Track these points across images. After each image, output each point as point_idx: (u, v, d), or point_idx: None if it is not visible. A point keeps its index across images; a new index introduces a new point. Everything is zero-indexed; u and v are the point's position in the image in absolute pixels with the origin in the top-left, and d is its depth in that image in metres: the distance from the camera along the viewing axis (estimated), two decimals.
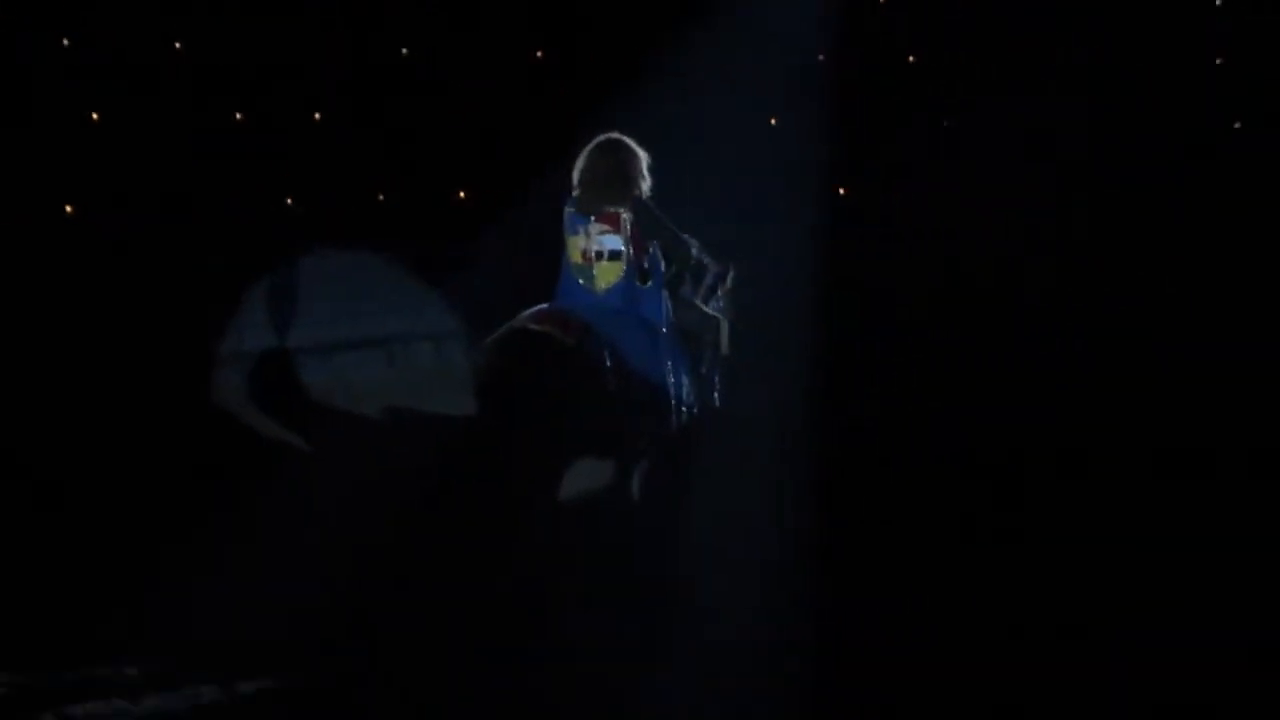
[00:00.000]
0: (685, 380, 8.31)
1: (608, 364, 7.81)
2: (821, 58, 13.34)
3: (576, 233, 8.27)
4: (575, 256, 8.28)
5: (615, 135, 8.36)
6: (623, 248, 8.17)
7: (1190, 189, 12.54)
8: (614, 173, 8.23)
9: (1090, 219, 12.62)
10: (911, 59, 13.55)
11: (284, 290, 12.41)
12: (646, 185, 8.30)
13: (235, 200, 12.62)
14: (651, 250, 8.26)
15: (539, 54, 13.58)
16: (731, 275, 8.80)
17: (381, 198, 13.34)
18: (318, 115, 13.21)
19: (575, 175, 8.31)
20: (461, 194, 13.34)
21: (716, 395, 8.66)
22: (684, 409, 8.26)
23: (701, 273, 8.72)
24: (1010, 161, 12.87)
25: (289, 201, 13.06)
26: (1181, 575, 8.29)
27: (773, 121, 13.29)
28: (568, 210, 8.31)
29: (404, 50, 13.42)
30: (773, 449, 9.88)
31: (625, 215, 8.16)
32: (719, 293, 8.78)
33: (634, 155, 8.30)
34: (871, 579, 8.46)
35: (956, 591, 8.27)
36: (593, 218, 8.21)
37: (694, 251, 8.64)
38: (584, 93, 12.60)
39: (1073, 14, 12.77)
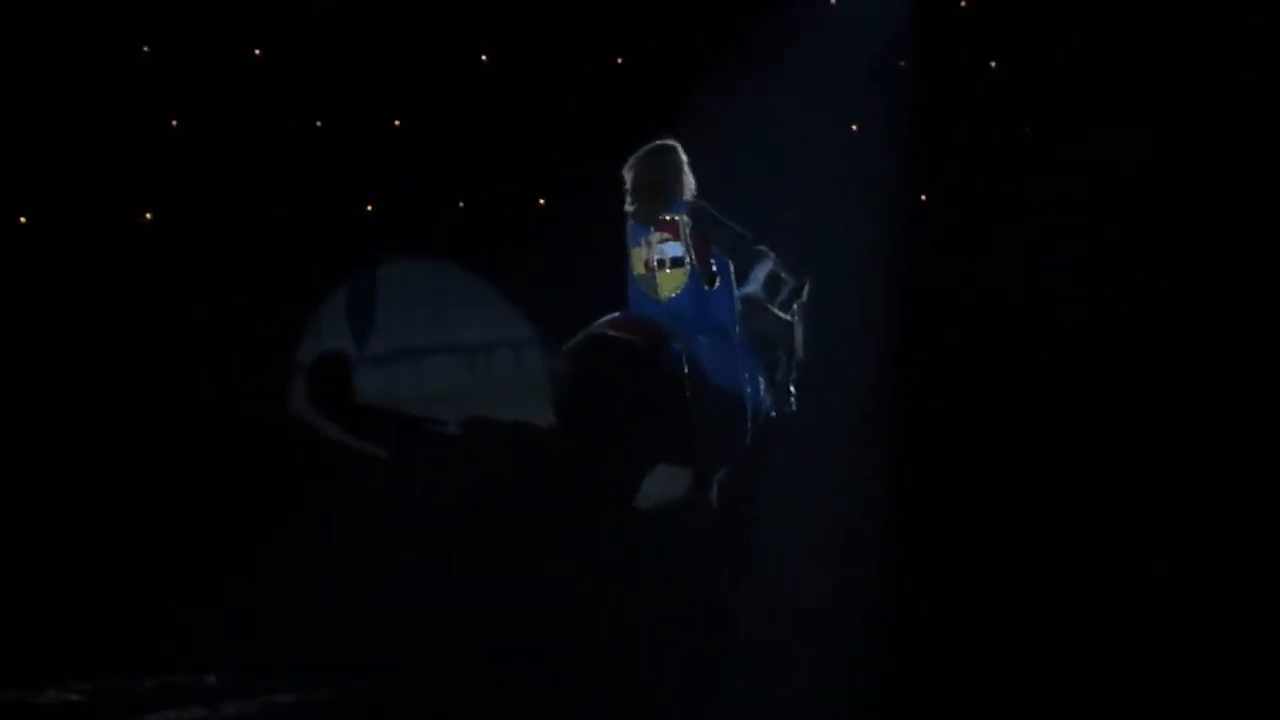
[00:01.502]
0: (761, 385, 8.30)
1: (685, 370, 7.80)
2: (902, 64, 13.19)
3: (638, 244, 8.35)
4: (638, 268, 8.34)
5: (662, 140, 8.45)
6: (683, 253, 8.18)
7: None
8: (663, 178, 8.31)
9: (1172, 230, 12.40)
10: (993, 64, 13.38)
11: (362, 298, 12.51)
12: (691, 186, 8.33)
13: (310, 208, 12.57)
14: (716, 254, 8.24)
15: (619, 60, 13.50)
16: (808, 288, 8.76)
17: (461, 204, 13.30)
18: (397, 122, 13.18)
19: (627, 185, 8.37)
20: (541, 201, 13.27)
21: (793, 400, 8.64)
22: (760, 415, 8.22)
23: (778, 285, 8.69)
24: (1092, 170, 12.73)
25: (368, 208, 13.04)
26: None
27: (854, 128, 13.17)
28: (629, 222, 8.37)
29: (483, 56, 13.37)
30: (846, 455, 9.80)
31: (684, 220, 8.18)
32: (795, 306, 8.75)
33: (682, 158, 8.41)
34: (945, 587, 8.39)
35: (1030, 599, 8.19)
36: (652, 227, 8.22)
37: (770, 264, 8.62)
38: (661, 99, 12.55)
39: (1154, 24, 12.54)
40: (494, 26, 13.27)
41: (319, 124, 13.07)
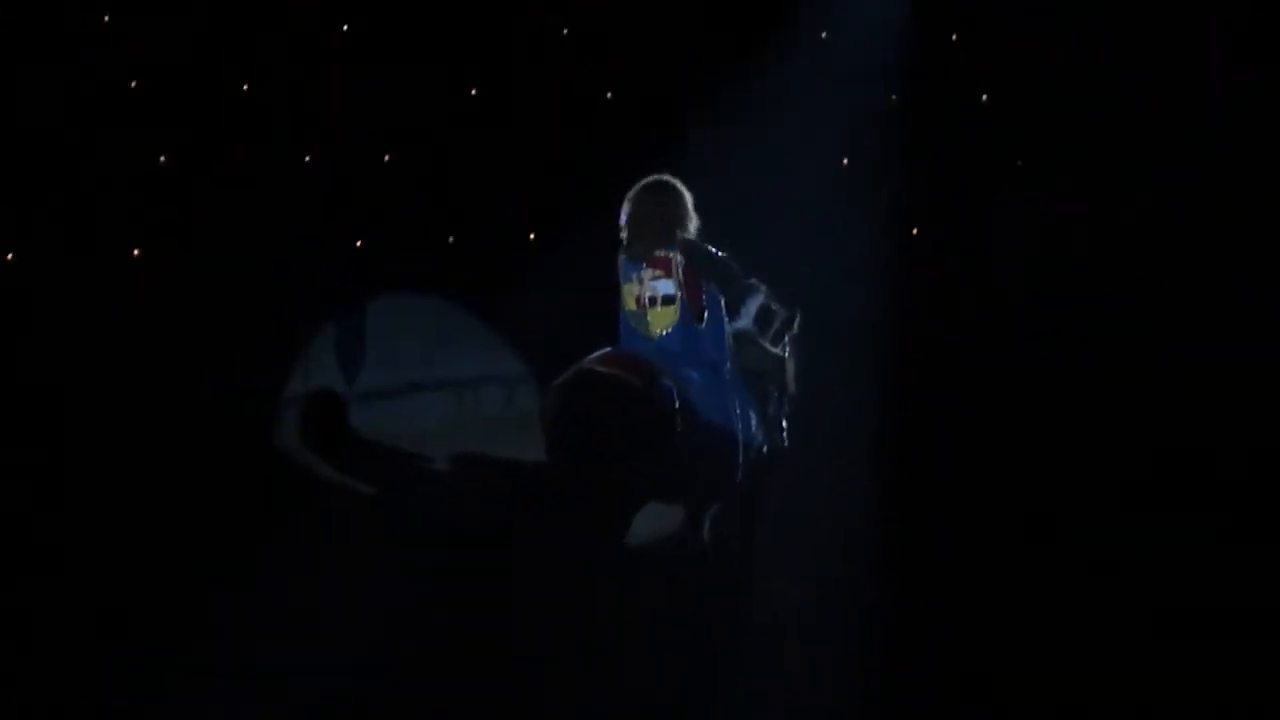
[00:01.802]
0: (753, 421, 8.23)
1: (676, 406, 7.70)
2: (894, 98, 13.19)
3: (630, 280, 8.21)
4: (630, 304, 8.22)
5: (660, 176, 8.27)
6: (675, 291, 8.08)
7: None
8: (659, 215, 8.14)
9: (1164, 255, 12.40)
10: (984, 98, 13.39)
11: (352, 334, 12.48)
12: (694, 224, 8.19)
13: (300, 244, 12.54)
14: (707, 289, 8.13)
15: (609, 95, 13.50)
16: (798, 320, 8.71)
17: (451, 239, 13.29)
18: (387, 157, 13.17)
19: (622, 220, 8.22)
20: (531, 235, 13.25)
21: (784, 435, 8.58)
22: (752, 450, 8.16)
23: (770, 317, 8.65)
24: (1083, 201, 12.74)
25: (357, 244, 13.02)
26: None
27: (844, 162, 13.16)
28: (621, 258, 8.24)
29: (473, 91, 13.36)
30: (840, 488, 9.75)
31: (676, 258, 8.06)
32: (786, 338, 8.70)
33: (679, 195, 8.21)
34: (941, 619, 8.33)
35: (1030, 631, 8.14)
36: (644, 264, 8.12)
37: (761, 297, 8.57)
38: (654, 133, 12.54)
39: (1148, 54, 12.55)
40: (485, 61, 13.24)
41: (308, 159, 13.02)
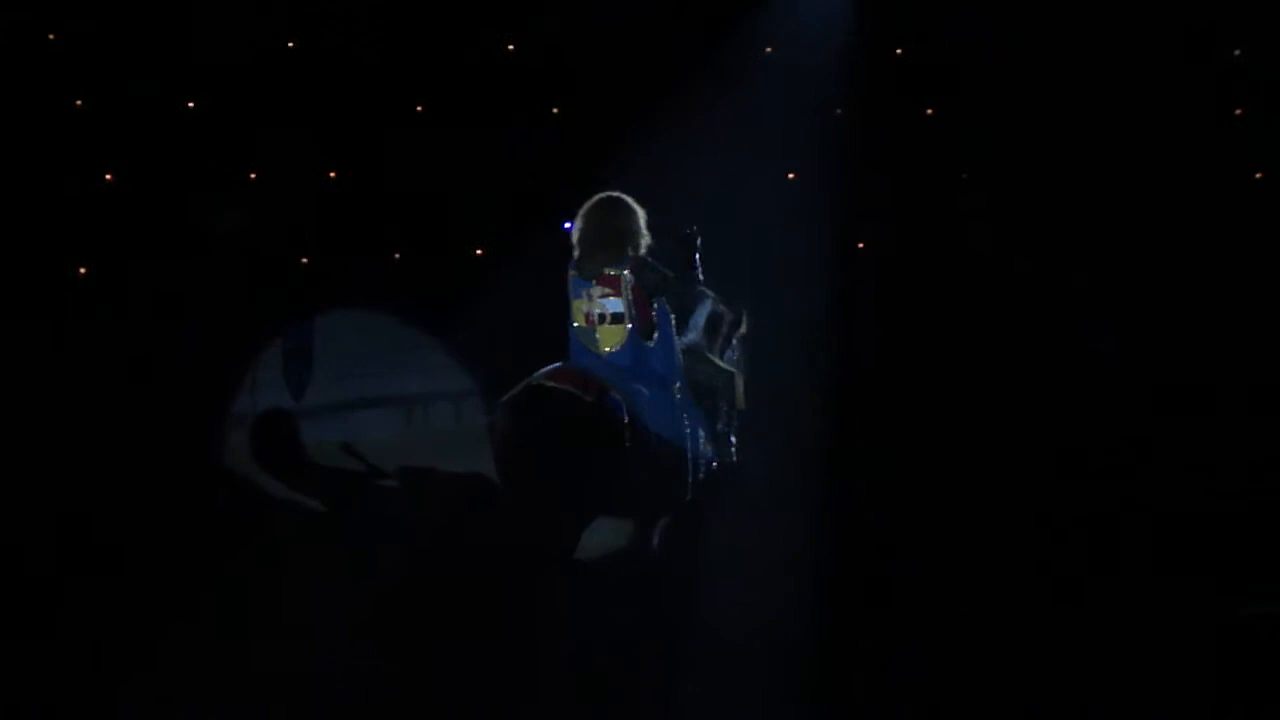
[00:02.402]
0: (702, 437, 8.22)
1: (625, 421, 7.70)
2: (839, 111, 13.24)
3: (579, 296, 8.16)
4: (579, 320, 8.17)
5: (611, 193, 8.22)
6: (624, 310, 8.05)
7: (1204, 229, 12.47)
8: (610, 233, 8.09)
9: (1112, 263, 12.54)
10: (930, 111, 13.45)
11: (298, 351, 12.45)
12: (646, 241, 8.16)
13: (245, 261, 12.52)
14: (658, 306, 8.12)
15: (554, 110, 13.51)
16: (746, 320, 8.73)
17: (397, 256, 13.28)
18: (331, 174, 13.15)
19: (573, 237, 8.17)
20: (479, 251, 13.25)
21: (734, 450, 8.58)
22: (701, 465, 8.16)
23: (719, 321, 8.67)
24: (1030, 211, 12.82)
25: (303, 261, 13.00)
26: None
27: (790, 176, 13.20)
28: (570, 273, 8.19)
29: (418, 108, 13.35)
30: (787, 502, 9.76)
31: (626, 276, 8.04)
32: (734, 341, 8.72)
33: (631, 212, 8.16)
34: (889, 629, 8.35)
35: (978, 646, 8.17)
36: (594, 281, 8.08)
37: (710, 304, 8.58)
38: (599, 147, 12.56)
39: (1092, 65, 12.66)
40: (431, 76, 13.23)
41: (253, 176, 12.98)
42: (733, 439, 8.61)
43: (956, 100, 13.29)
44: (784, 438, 10.07)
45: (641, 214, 8.17)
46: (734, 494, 8.59)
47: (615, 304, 8.06)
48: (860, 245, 13.39)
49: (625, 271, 8.03)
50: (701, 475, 8.17)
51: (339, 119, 13.03)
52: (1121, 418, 11.68)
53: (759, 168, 13.06)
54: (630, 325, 8.05)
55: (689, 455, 8.07)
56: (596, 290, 8.07)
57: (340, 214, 13.07)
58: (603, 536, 8.09)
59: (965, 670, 7.68)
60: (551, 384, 7.78)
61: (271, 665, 7.49)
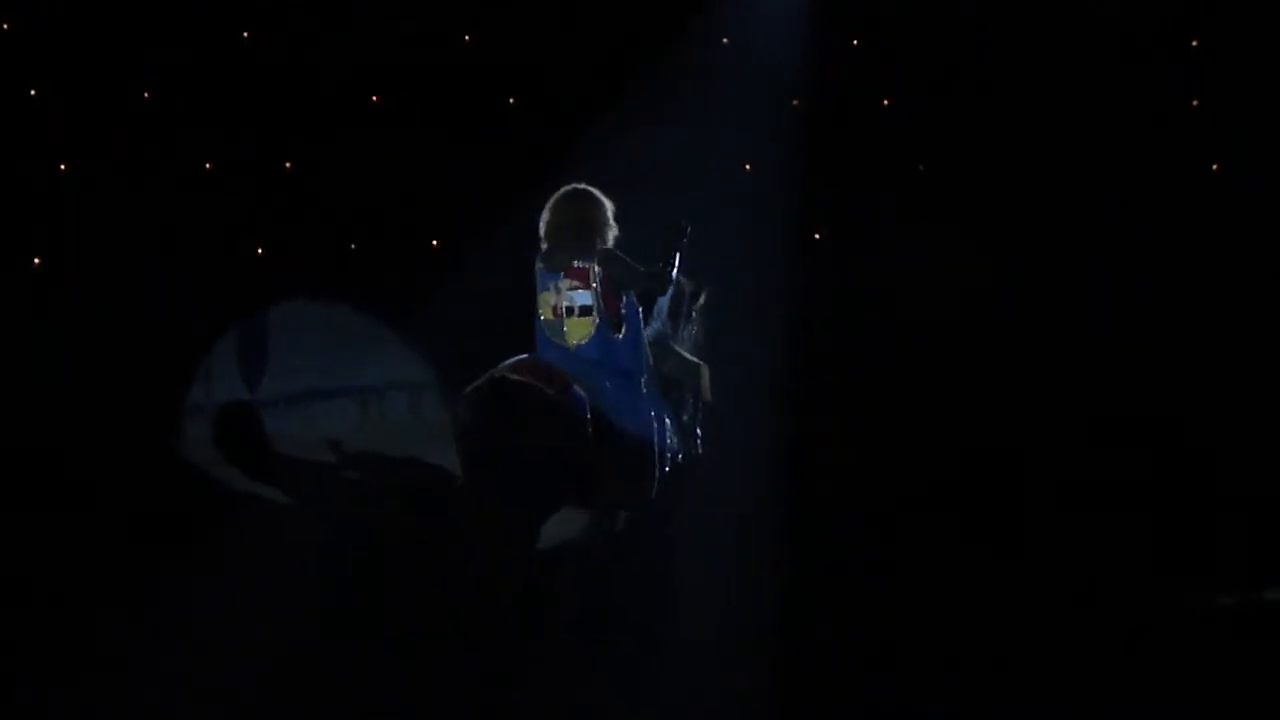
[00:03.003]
0: (668, 429, 8.19)
1: (588, 415, 7.68)
2: (796, 103, 13.22)
3: (546, 288, 8.11)
4: (546, 313, 8.12)
5: (579, 185, 8.19)
6: (592, 303, 8.01)
7: (1169, 230, 12.51)
8: (578, 225, 8.06)
9: (1065, 257, 12.58)
10: (886, 102, 13.45)
11: (255, 340, 12.38)
12: (614, 233, 8.14)
13: (201, 251, 12.46)
14: (626, 299, 8.10)
15: (511, 100, 13.46)
16: (704, 294, 8.82)
17: (354, 246, 13.21)
18: (287, 164, 13.08)
19: (541, 229, 8.13)
20: (435, 242, 13.19)
21: (699, 443, 8.58)
22: (667, 458, 8.14)
23: (681, 297, 8.69)
24: (984, 203, 12.84)
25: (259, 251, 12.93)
26: None
27: (747, 167, 13.18)
28: (538, 266, 8.14)
29: (373, 98, 13.29)
30: (750, 496, 9.77)
31: (595, 269, 7.99)
32: (693, 314, 8.73)
33: (599, 204, 8.14)
34: (847, 621, 8.38)
35: (935, 642, 8.20)
36: (562, 273, 8.04)
37: (671, 274, 8.51)
38: (558, 138, 12.55)
39: (1047, 56, 12.68)
40: (387, 66, 13.17)
41: (208, 166, 12.91)
42: (698, 431, 8.61)
43: (914, 91, 13.26)
44: (746, 430, 10.08)
45: (609, 206, 8.17)
46: (698, 487, 8.62)
47: (583, 296, 8.01)
48: (817, 236, 13.36)
49: (594, 264, 7.98)
50: (667, 469, 8.14)
51: (295, 110, 12.95)
52: (1085, 406, 11.74)
53: (716, 158, 12.99)
54: (598, 319, 8.00)
55: (655, 449, 8.03)
56: (564, 283, 8.02)
57: (295, 205, 12.98)
58: (564, 528, 8.05)
59: (922, 657, 7.74)
60: (515, 377, 7.73)
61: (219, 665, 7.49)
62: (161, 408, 11.70)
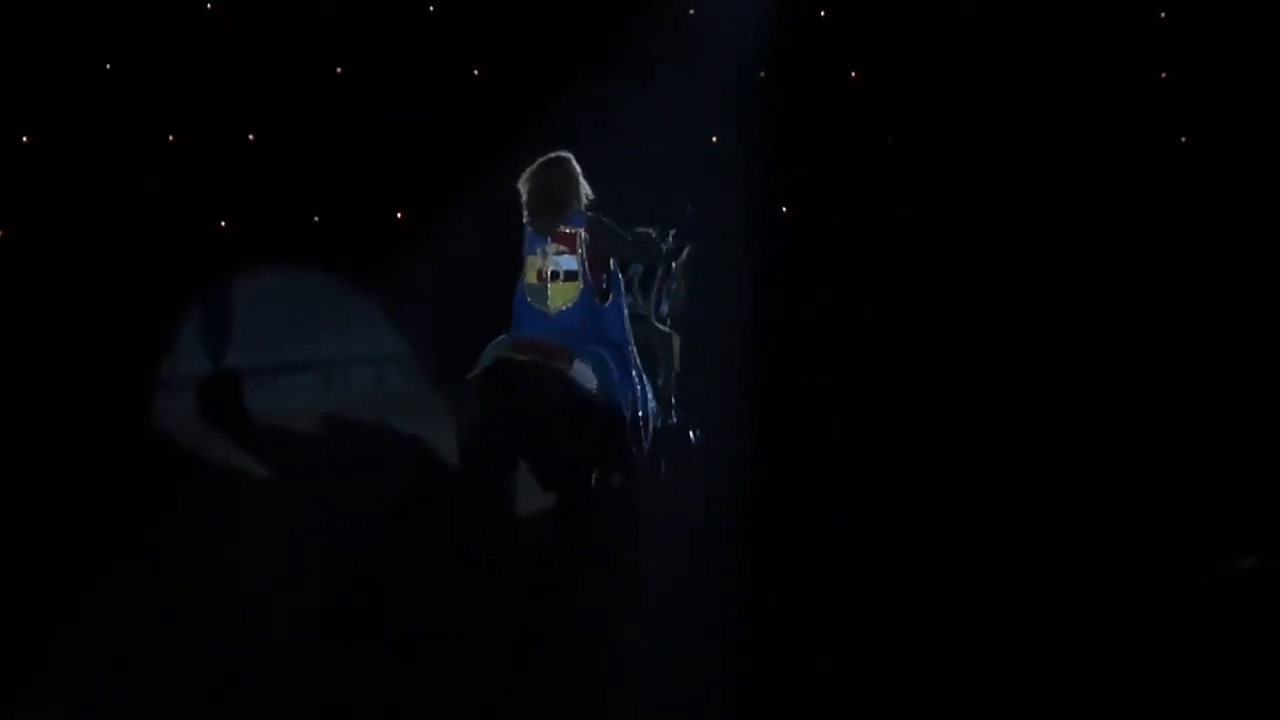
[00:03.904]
0: (650, 398, 8.28)
1: (595, 386, 7.77)
2: (763, 74, 13.20)
3: (534, 252, 8.19)
4: (531, 277, 8.18)
5: (557, 153, 8.26)
6: (578, 268, 8.08)
7: (1137, 203, 12.51)
8: (561, 190, 8.15)
9: (1033, 231, 12.58)
10: (853, 75, 13.44)
11: (215, 315, 12.32)
12: (587, 194, 8.22)
13: (163, 223, 12.39)
14: (612, 268, 8.22)
15: (475, 71, 13.41)
16: (687, 250, 9.08)
17: (316, 219, 13.15)
18: (250, 135, 13.01)
19: (524, 196, 8.19)
20: (399, 215, 13.14)
21: (673, 411, 8.65)
22: (653, 426, 8.25)
23: (654, 269, 8.81)
24: (951, 175, 12.85)
25: (223, 224, 12.86)
26: None
27: (714, 139, 13.16)
28: (527, 230, 8.21)
29: (337, 69, 13.22)
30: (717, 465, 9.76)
31: (582, 235, 8.08)
32: (674, 268, 8.80)
33: (576, 169, 8.24)
34: (815, 594, 8.36)
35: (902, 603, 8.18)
36: (549, 238, 8.11)
37: (661, 249, 8.78)
38: (522, 111, 12.53)
39: (1015, 29, 12.69)
40: (351, 38, 13.10)
41: (171, 138, 12.83)
42: (672, 399, 8.70)
43: (881, 63, 13.26)
44: (715, 401, 10.07)
45: (579, 172, 8.23)
46: (676, 453, 8.67)
47: (569, 262, 8.11)
48: (785, 210, 13.35)
49: (581, 230, 8.08)
50: (651, 434, 8.27)
51: (257, 81, 12.89)
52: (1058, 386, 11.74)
53: (682, 131, 12.99)
54: (582, 284, 8.09)
55: (644, 417, 8.16)
56: (552, 247, 8.13)
57: (259, 177, 12.91)
58: (561, 495, 8.02)
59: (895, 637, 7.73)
60: (520, 357, 7.79)
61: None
62: (120, 381, 11.60)
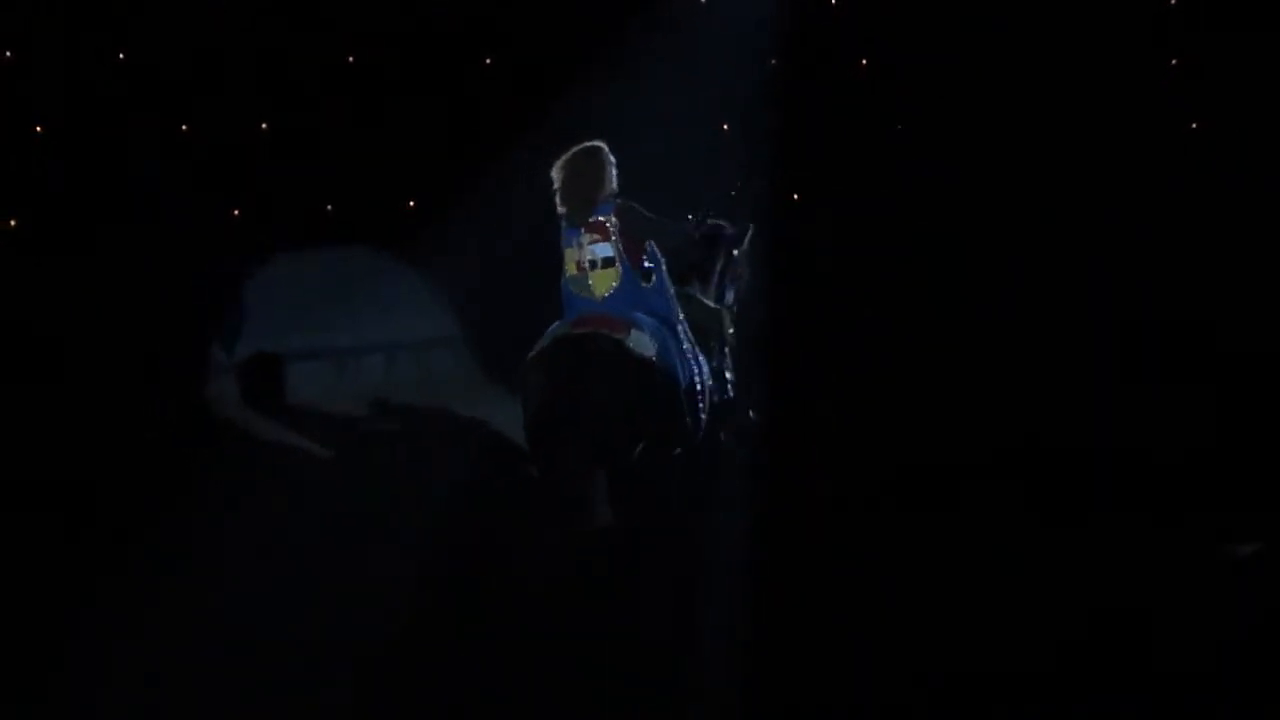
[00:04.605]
0: (707, 370, 8.39)
1: (654, 358, 7.89)
2: (773, 62, 13.28)
3: (570, 244, 8.43)
4: (571, 268, 8.44)
5: (586, 144, 8.50)
6: (614, 253, 8.30)
7: (1146, 191, 12.60)
8: (590, 179, 8.39)
9: (1043, 220, 12.66)
10: (864, 62, 13.53)
11: (293, 293, 12.32)
12: (614, 185, 8.46)
13: (176, 213, 12.38)
14: (649, 249, 8.39)
15: (487, 60, 13.45)
16: (749, 234, 9.32)
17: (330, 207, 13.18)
18: (264, 124, 13.03)
19: (556, 191, 8.41)
20: (411, 203, 13.17)
21: (729, 387, 8.74)
22: (709, 399, 8.36)
23: (714, 251, 8.90)
24: (962, 164, 12.93)
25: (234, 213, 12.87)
26: None
27: (725, 127, 13.23)
28: (562, 224, 8.44)
29: (350, 58, 13.25)
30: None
31: (612, 221, 8.29)
32: (736, 257, 9.18)
33: (608, 157, 8.49)
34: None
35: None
36: (581, 228, 8.33)
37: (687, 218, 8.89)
38: (532, 98, 12.60)
39: (1025, 16, 12.78)
40: (361, 29, 13.15)
41: (184, 127, 12.84)
42: (727, 375, 8.80)
43: (891, 52, 13.34)
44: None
45: (613, 162, 8.50)
46: (735, 426, 8.75)
47: (605, 249, 8.35)
48: (795, 197, 13.43)
49: (611, 217, 8.29)
50: (709, 406, 8.41)
51: (268, 71, 12.92)
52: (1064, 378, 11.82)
53: (691, 118, 13.05)
54: (621, 268, 8.31)
55: (699, 390, 8.29)
56: (585, 237, 8.36)
57: (273, 165, 12.93)
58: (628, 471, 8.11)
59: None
60: (580, 330, 8.01)
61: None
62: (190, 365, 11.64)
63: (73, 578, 8.28)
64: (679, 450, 8.28)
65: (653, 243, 8.42)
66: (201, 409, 11.73)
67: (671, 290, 8.49)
